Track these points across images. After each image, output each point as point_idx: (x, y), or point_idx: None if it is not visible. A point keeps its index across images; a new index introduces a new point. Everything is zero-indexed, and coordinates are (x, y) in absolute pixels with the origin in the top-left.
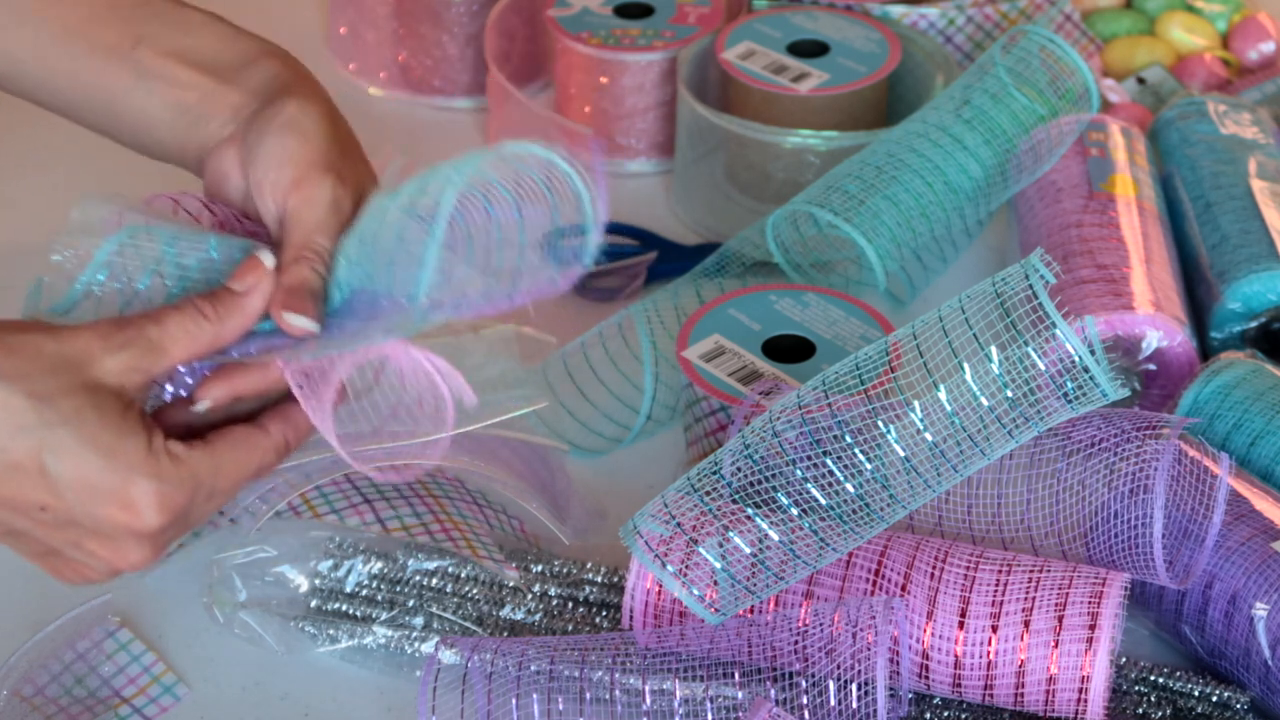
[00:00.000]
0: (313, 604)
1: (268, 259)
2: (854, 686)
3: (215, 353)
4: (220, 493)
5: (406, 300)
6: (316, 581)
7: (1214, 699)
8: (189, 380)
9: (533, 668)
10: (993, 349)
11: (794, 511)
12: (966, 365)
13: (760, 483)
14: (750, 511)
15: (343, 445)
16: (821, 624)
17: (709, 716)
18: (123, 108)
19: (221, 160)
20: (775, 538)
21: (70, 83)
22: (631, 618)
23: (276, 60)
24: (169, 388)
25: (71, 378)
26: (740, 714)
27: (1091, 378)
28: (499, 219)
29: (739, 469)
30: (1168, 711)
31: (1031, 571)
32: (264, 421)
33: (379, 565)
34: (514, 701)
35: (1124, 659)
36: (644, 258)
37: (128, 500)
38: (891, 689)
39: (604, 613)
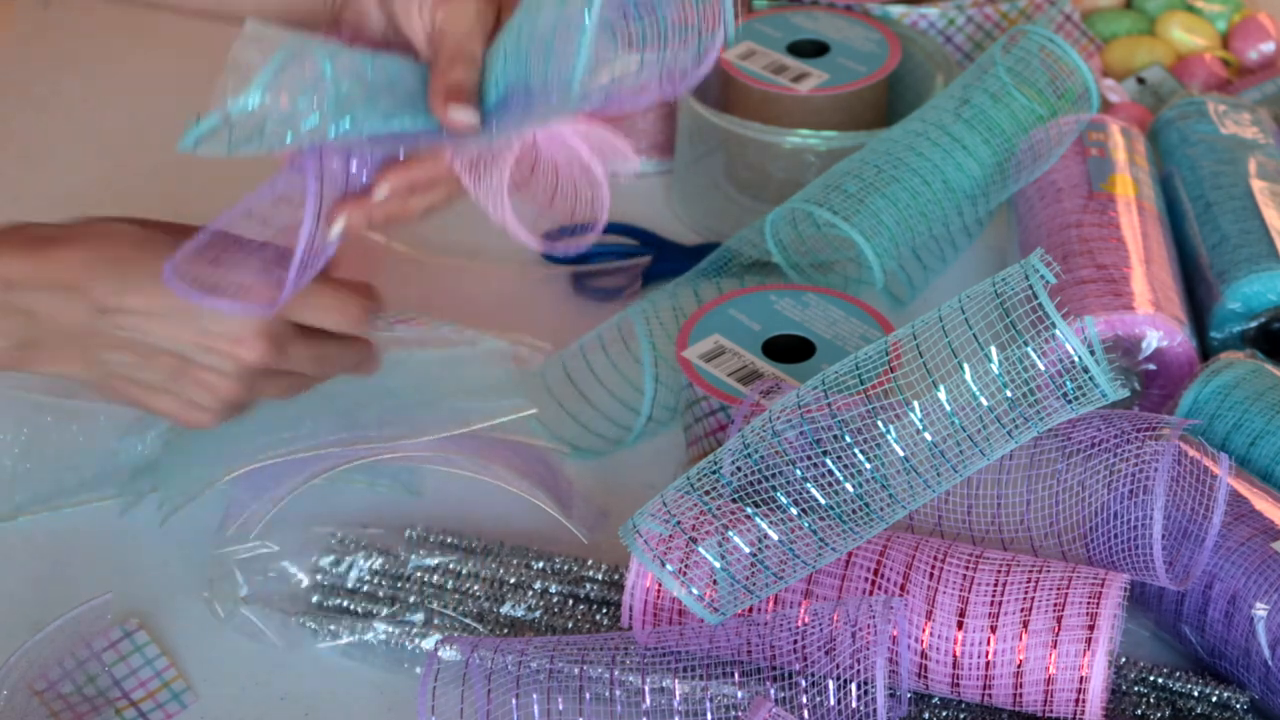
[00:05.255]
0: (314, 599)
1: None
2: (853, 686)
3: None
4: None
5: (562, 90)
6: (318, 577)
7: (1214, 699)
8: (363, 178)
9: (533, 665)
10: (992, 349)
11: (793, 511)
12: (966, 365)
13: (760, 482)
14: (750, 511)
15: (512, 226)
16: (821, 623)
17: (708, 715)
18: None
19: (360, 1)
20: (774, 537)
21: None
22: (631, 617)
23: None
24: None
25: None
26: (739, 713)
27: (1091, 378)
28: (638, 7)
29: (739, 469)
30: (1167, 712)
31: (1030, 572)
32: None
33: (380, 561)
34: (514, 700)
35: (1123, 659)
36: (644, 258)
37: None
38: (890, 689)
39: (604, 610)
